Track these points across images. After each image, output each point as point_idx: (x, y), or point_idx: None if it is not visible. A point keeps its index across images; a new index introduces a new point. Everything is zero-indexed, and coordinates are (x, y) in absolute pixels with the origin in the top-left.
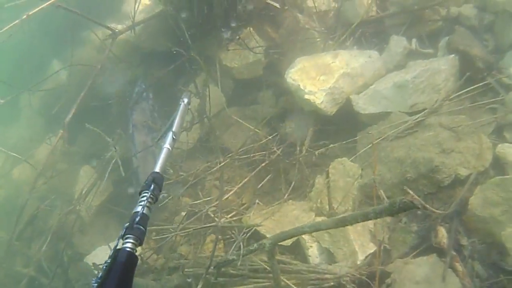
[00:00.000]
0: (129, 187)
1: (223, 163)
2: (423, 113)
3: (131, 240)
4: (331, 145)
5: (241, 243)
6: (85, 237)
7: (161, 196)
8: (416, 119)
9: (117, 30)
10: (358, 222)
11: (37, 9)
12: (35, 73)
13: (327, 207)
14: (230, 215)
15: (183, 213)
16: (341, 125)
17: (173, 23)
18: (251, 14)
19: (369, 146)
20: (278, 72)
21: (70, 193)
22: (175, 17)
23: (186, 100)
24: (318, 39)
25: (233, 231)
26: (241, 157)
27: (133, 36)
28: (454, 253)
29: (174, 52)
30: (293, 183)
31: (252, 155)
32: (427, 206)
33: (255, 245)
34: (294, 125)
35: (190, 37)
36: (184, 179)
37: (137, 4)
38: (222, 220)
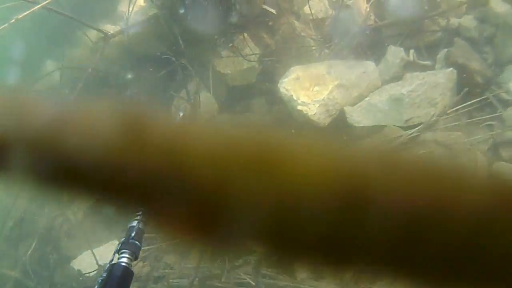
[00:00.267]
0: None
1: None
2: (417, 128)
3: (127, 255)
4: None
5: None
6: (72, 241)
7: None
8: (411, 134)
9: (109, 33)
10: None
11: (27, 12)
12: (28, 73)
13: None
14: None
15: None
16: (333, 138)
17: (166, 28)
18: (247, 20)
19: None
20: (272, 79)
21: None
22: (168, 22)
23: (181, 114)
24: (314, 47)
25: None
26: None
27: (126, 39)
28: None
29: (163, 57)
30: None
31: None
32: None
33: (240, 260)
34: None
35: (183, 42)
36: None
37: (131, 6)
38: None
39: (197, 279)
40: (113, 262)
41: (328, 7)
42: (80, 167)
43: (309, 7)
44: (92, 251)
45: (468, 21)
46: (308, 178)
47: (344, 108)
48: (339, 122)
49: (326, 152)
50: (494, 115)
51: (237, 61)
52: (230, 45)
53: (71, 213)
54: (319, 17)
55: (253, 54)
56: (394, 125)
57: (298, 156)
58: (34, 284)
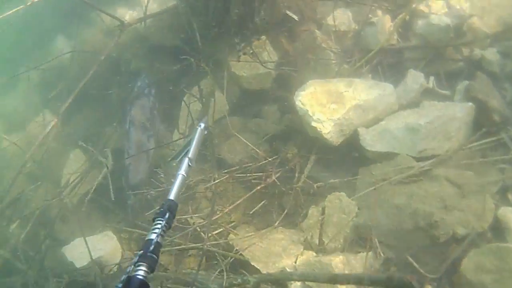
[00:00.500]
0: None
1: (217, 181)
2: (431, 161)
3: (144, 268)
4: (331, 180)
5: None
6: (65, 225)
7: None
8: (423, 167)
9: (126, 21)
10: (349, 284)
11: None
12: (38, 47)
13: (317, 241)
14: (216, 232)
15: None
16: (344, 157)
17: (185, 21)
18: (268, 24)
19: (372, 189)
20: (287, 87)
21: (56, 175)
22: (188, 15)
23: (202, 125)
24: (333, 61)
25: (217, 252)
26: (237, 175)
27: (142, 26)
28: None
29: (179, 51)
30: (286, 210)
31: (248, 174)
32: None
33: (239, 279)
34: (296, 150)
35: (201, 38)
36: None
37: None
38: (209, 237)
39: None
40: (129, 274)
41: (351, 20)
42: None
43: (333, 18)
44: (85, 240)
45: (491, 54)
46: None
47: (358, 129)
48: (351, 142)
49: None
50: (506, 156)
51: (253, 64)
52: (249, 48)
53: (67, 197)
54: (342, 29)
55: (271, 62)
56: (407, 154)
57: None
58: (22, 266)
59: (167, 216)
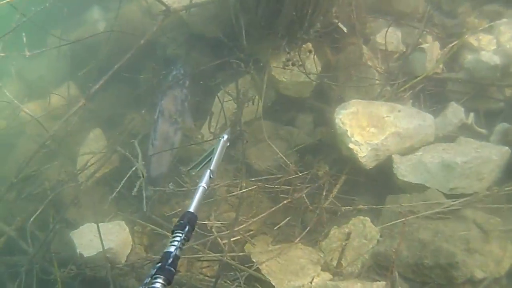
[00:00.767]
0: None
1: (245, 190)
2: (461, 201)
3: (161, 281)
4: (360, 206)
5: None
6: (77, 207)
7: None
8: (452, 205)
9: (171, 8)
10: None
11: None
12: (73, 16)
13: (335, 263)
14: (233, 239)
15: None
16: (373, 181)
17: (233, 15)
18: (316, 32)
19: (400, 221)
20: (325, 99)
21: (73, 152)
22: (237, 10)
23: (225, 137)
24: (377, 80)
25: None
26: (265, 184)
27: (185, 13)
28: None
29: (221, 44)
30: (308, 228)
31: (276, 186)
32: None
33: None
34: (327, 168)
35: (246, 35)
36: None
37: None
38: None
39: None
40: (147, 287)
41: (400, 41)
42: None
43: (385, 36)
44: (98, 230)
45: None
46: None
47: (393, 156)
48: (383, 167)
49: None
50: None
51: (295, 71)
52: (297, 56)
53: (82, 178)
54: (389, 49)
55: (314, 74)
56: (437, 189)
57: None
58: (27, 247)
59: (186, 229)
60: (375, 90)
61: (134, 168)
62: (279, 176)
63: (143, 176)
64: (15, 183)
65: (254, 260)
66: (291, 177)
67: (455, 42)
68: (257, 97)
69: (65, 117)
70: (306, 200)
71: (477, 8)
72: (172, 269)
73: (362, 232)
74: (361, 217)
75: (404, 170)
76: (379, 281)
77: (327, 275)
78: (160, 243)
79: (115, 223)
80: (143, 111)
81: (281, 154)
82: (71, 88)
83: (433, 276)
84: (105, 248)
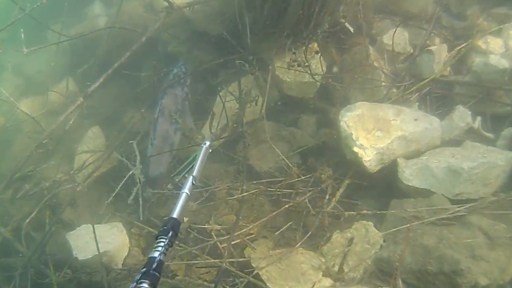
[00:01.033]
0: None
1: (246, 193)
2: (467, 206)
3: (146, 286)
4: (364, 211)
5: None
6: (74, 207)
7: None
8: (458, 211)
9: (175, 4)
10: None
11: None
12: (74, 9)
13: (337, 268)
14: (234, 242)
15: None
16: (377, 184)
17: (238, 13)
18: (323, 31)
19: (405, 226)
20: (329, 100)
21: (70, 149)
22: (241, 7)
23: (208, 143)
24: (383, 82)
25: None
26: (266, 187)
27: (189, 11)
28: None
29: (225, 43)
30: (310, 232)
31: (277, 189)
32: None
33: None
34: (330, 172)
35: (250, 33)
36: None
37: None
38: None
39: None
40: None
41: (407, 42)
42: None
43: (393, 37)
44: (94, 235)
45: None
46: None
47: (398, 160)
48: (388, 172)
49: None
50: None
51: (299, 71)
52: (303, 57)
53: (80, 179)
54: (396, 50)
55: (319, 74)
56: (443, 195)
57: None
58: (23, 248)
59: (170, 235)
60: (381, 92)
61: (131, 172)
62: (281, 179)
63: (140, 183)
64: (12, 182)
65: (254, 265)
66: (293, 180)
67: (463, 45)
68: (260, 97)
69: (63, 116)
70: (309, 204)
71: (486, 11)
72: (157, 273)
73: (365, 237)
74: (364, 222)
75: (409, 175)
76: (382, 287)
77: (328, 281)
78: None
79: (112, 224)
80: (142, 110)
81: (283, 156)
82: (70, 84)
83: (437, 283)
84: (102, 251)
